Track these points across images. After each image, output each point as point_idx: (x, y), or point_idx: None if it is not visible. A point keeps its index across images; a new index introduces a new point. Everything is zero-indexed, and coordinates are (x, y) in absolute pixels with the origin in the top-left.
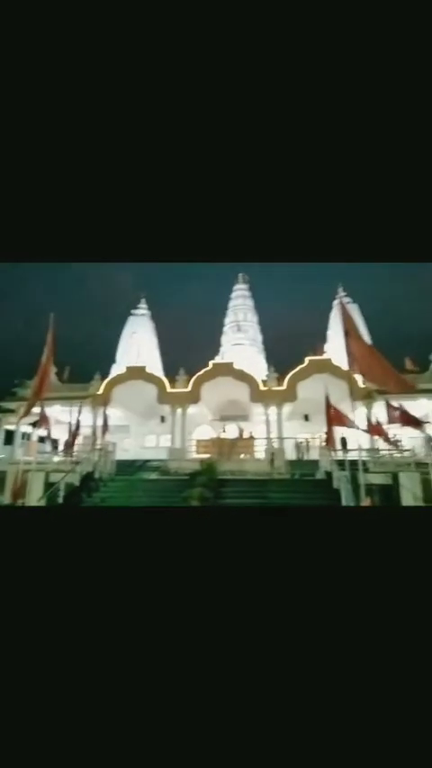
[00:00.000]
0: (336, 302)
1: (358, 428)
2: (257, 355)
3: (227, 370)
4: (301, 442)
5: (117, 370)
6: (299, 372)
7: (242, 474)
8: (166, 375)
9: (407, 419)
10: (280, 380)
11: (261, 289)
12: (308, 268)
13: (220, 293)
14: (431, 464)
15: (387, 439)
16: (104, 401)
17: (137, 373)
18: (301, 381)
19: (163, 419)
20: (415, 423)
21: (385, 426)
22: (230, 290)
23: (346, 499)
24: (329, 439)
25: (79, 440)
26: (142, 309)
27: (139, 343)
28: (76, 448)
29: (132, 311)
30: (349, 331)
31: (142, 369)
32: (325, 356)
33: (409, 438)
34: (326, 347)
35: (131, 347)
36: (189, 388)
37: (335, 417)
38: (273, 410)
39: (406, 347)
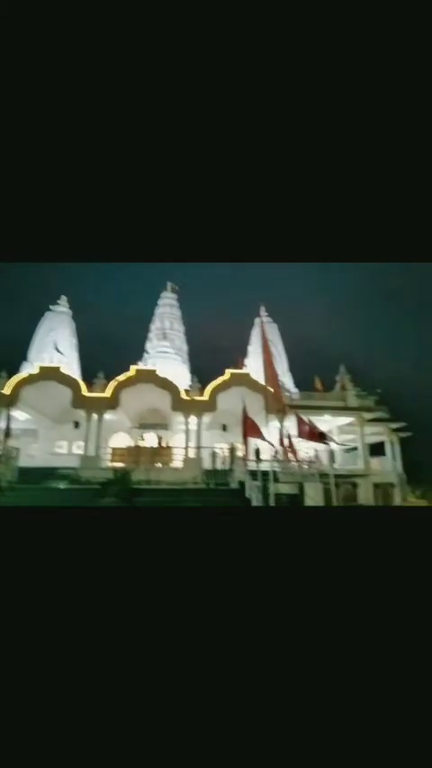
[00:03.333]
0: (257, 320)
1: (268, 441)
2: (182, 365)
3: (150, 376)
4: (217, 452)
5: (28, 368)
6: (220, 384)
7: (158, 483)
8: (84, 379)
9: (313, 433)
10: (201, 391)
11: (187, 301)
12: (233, 284)
13: (147, 299)
14: (331, 475)
15: (294, 452)
16: (10, 402)
17: (51, 373)
18: (222, 393)
19: (77, 425)
20: (320, 437)
21: (295, 439)
22: (157, 297)
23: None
24: (246, 450)
25: None
26: (62, 307)
27: (56, 341)
28: None
29: (51, 307)
30: (266, 349)
31: (56, 369)
32: (245, 370)
33: (315, 451)
34: (246, 362)
35: (47, 345)
36: (108, 393)
37: (250, 429)
38: (193, 420)
39: (317, 368)
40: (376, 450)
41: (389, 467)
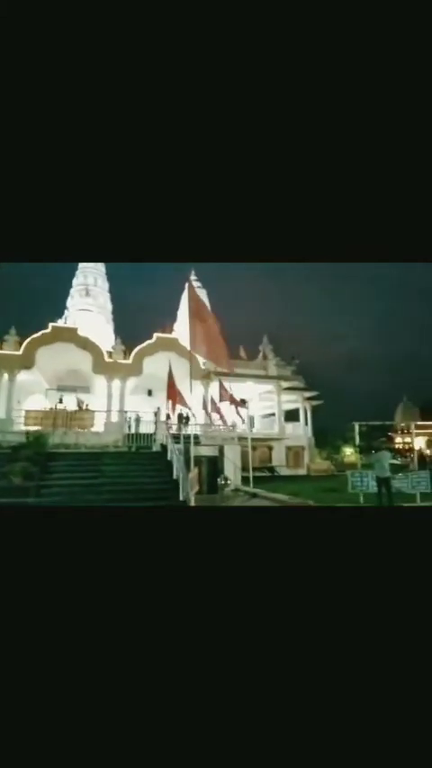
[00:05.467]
0: (187, 284)
1: (189, 408)
2: (106, 324)
3: (69, 335)
4: (139, 417)
5: None
6: (146, 348)
7: (76, 447)
8: None
9: (234, 399)
10: (126, 353)
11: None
12: None
13: None
14: (249, 438)
15: (221, 415)
16: None
17: None
18: (148, 357)
19: None
20: (240, 402)
21: (217, 404)
22: None
23: (177, 470)
24: (169, 414)
25: None
26: None
27: None
28: None
29: None
30: (195, 313)
31: None
32: (173, 335)
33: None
34: (174, 326)
35: None
36: (21, 352)
37: (175, 394)
38: (116, 383)
39: (241, 338)
40: (291, 416)
41: (301, 432)
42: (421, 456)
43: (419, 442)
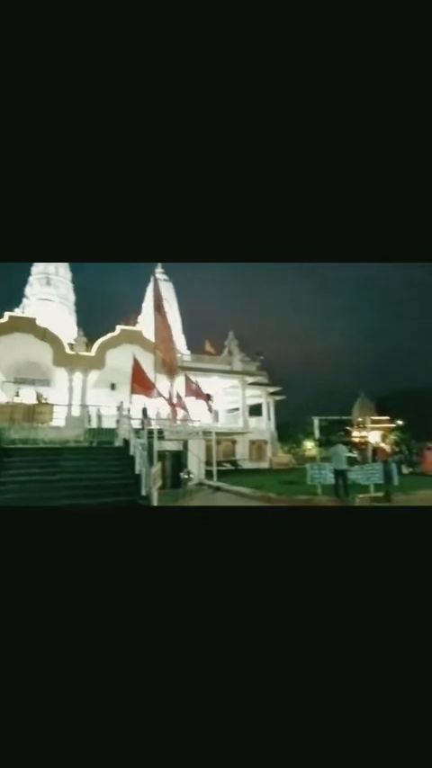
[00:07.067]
0: (152, 277)
1: (162, 396)
2: (68, 316)
3: (27, 326)
4: (100, 413)
5: None
6: (110, 340)
7: (34, 443)
8: None
9: (200, 393)
10: (89, 346)
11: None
12: None
13: None
14: (214, 432)
15: (185, 409)
16: None
17: None
18: (111, 349)
19: None
20: (206, 397)
21: (184, 398)
22: None
23: (140, 465)
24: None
25: None
26: None
27: None
28: None
29: None
30: (157, 307)
31: None
32: (137, 327)
33: (200, 410)
34: (139, 319)
35: None
36: None
37: (139, 386)
38: (78, 376)
39: (207, 331)
40: (254, 410)
41: (264, 426)
42: (375, 449)
43: (375, 437)
